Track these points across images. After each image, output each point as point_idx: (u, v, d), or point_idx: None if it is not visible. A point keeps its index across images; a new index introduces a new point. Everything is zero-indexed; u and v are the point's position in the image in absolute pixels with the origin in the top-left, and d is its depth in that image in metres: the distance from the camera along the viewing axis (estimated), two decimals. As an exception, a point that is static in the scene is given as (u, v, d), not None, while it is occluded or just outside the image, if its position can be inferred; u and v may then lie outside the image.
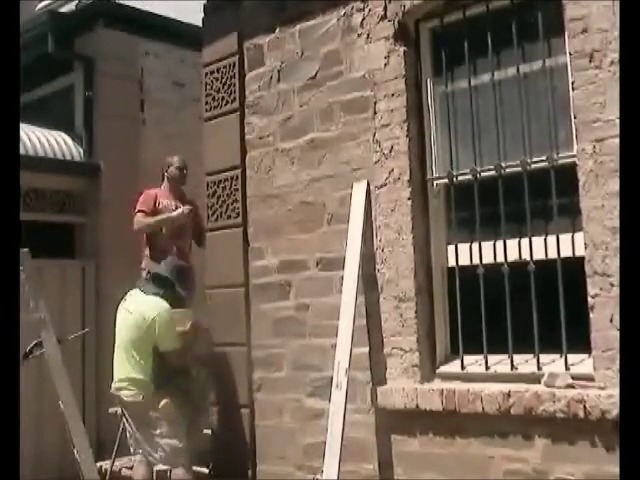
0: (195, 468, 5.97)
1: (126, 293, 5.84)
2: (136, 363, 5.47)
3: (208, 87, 6.13)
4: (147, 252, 6.90)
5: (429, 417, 4.59)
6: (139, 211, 6.95)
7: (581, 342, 4.12)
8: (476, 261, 4.64)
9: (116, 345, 5.66)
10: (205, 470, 5.93)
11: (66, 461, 6.94)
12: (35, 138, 9.46)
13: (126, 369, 5.52)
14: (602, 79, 4.01)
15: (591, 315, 4.01)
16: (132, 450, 5.71)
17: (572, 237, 4.26)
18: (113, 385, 5.64)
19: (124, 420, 5.71)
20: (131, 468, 6.22)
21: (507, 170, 4.53)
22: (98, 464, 6.16)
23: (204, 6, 6.21)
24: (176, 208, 6.84)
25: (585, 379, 4.06)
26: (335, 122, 5.25)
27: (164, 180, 7.17)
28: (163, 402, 5.38)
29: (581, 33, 4.10)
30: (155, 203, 6.95)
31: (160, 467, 5.52)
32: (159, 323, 5.45)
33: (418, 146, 4.91)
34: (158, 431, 5.42)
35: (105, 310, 9.16)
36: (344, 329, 4.86)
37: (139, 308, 5.55)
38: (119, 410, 6.57)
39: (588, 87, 4.06)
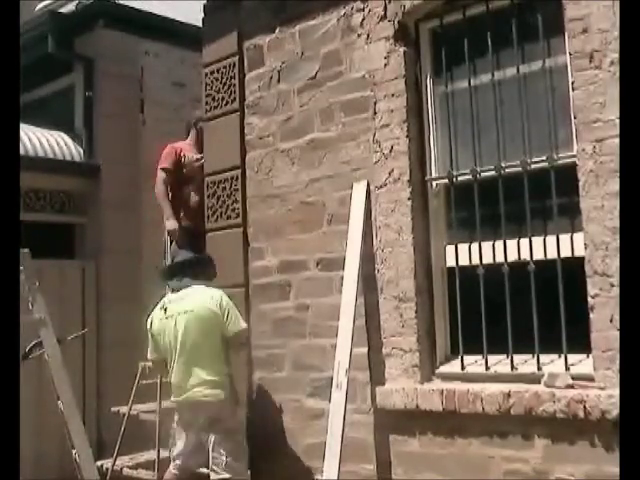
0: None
1: (158, 303, 5.45)
2: (214, 360, 5.09)
3: (208, 87, 6.14)
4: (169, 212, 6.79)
5: (429, 417, 4.59)
6: (162, 169, 6.77)
7: (581, 342, 4.12)
8: (476, 261, 4.64)
9: (179, 349, 5.16)
10: (206, 470, 5.92)
11: (66, 461, 6.94)
12: (35, 138, 9.47)
13: (204, 368, 5.08)
14: (602, 79, 4.01)
15: (591, 315, 4.01)
16: (179, 468, 5.27)
17: (572, 237, 4.26)
18: (184, 391, 5.15)
19: (175, 431, 5.29)
20: (133, 467, 6.22)
21: (507, 170, 4.53)
22: (99, 463, 6.15)
23: (204, 6, 6.21)
24: (202, 163, 6.71)
25: (585, 379, 4.06)
26: (335, 122, 5.25)
27: (190, 134, 7.04)
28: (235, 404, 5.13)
29: (581, 33, 4.10)
30: (178, 157, 6.80)
31: (219, 476, 5.04)
32: (225, 307, 5.15)
33: (418, 146, 4.91)
34: (226, 435, 5.06)
35: (105, 310, 9.20)
36: (344, 329, 4.86)
37: (204, 303, 5.17)
38: (122, 409, 6.57)
39: (588, 87, 4.06)
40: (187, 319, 5.14)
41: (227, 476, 5.04)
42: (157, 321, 5.32)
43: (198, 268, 5.45)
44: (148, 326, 5.39)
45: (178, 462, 5.25)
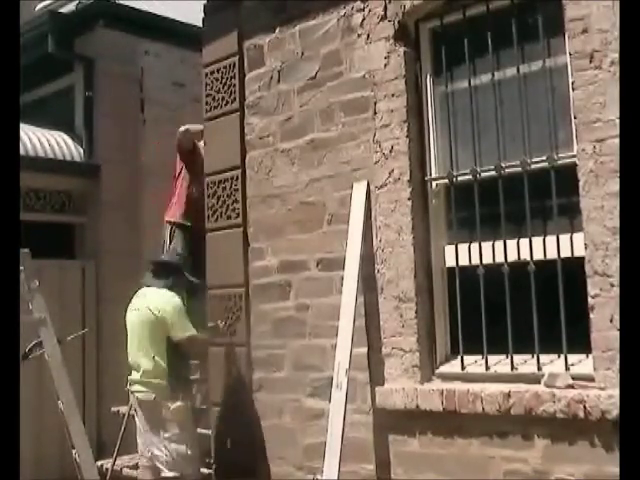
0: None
1: (134, 293, 5.83)
2: (150, 360, 5.43)
3: (208, 87, 6.13)
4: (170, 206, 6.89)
5: (429, 417, 4.59)
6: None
7: (581, 342, 4.12)
8: (476, 261, 4.64)
9: (129, 344, 5.64)
10: (206, 471, 5.93)
11: (66, 462, 6.95)
12: (35, 138, 9.48)
13: (141, 366, 5.49)
14: (602, 79, 4.01)
15: (591, 315, 4.00)
16: (140, 451, 5.63)
17: (572, 237, 4.26)
18: (127, 384, 5.63)
19: (136, 419, 5.64)
20: (133, 467, 6.23)
21: (507, 170, 4.53)
22: (99, 463, 6.16)
23: (204, 6, 6.21)
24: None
25: (585, 379, 4.06)
26: (335, 122, 5.25)
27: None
28: (176, 405, 5.34)
29: (581, 33, 4.10)
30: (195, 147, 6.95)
31: (166, 473, 5.36)
32: (169, 312, 5.45)
33: (418, 146, 4.91)
34: (168, 434, 5.35)
35: (105, 310, 9.20)
36: (344, 329, 4.86)
37: (149, 303, 5.53)
38: (122, 409, 6.58)
39: (588, 87, 4.06)
40: (135, 317, 5.60)
41: (171, 475, 5.29)
42: (127, 312, 5.76)
43: (167, 272, 5.74)
44: None
45: (144, 457, 5.57)
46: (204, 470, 5.91)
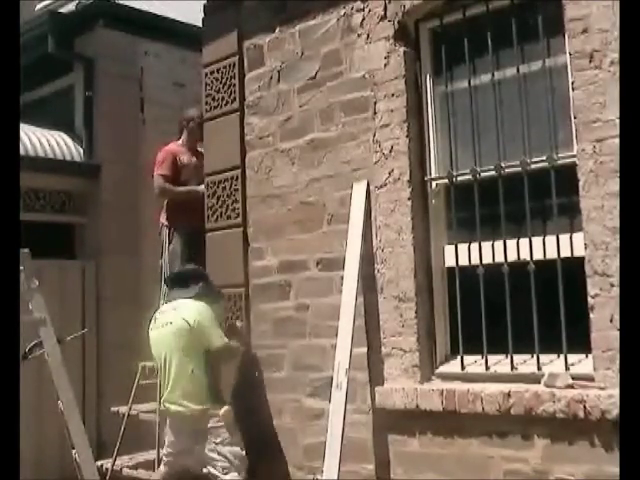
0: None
1: (155, 312, 5.66)
2: (188, 375, 5.26)
3: (208, 87, 6.13)
4: (164, 216, 6.90)
5: (429, 417, 4.59)
6: (160, 175, 6.87)
7: (581, 342, 4.12)
8: (476, 261, 4.64)
9: (161, 364, 5.41)
10: (204, 470, 5.92)
11: (66, 462, 6.94)
12: (35, 138, 9.48)
13: (177, 384, 5.29)
14: (602, 79, 4.01)
15: (591, 315, 4.00)
16: (168, 464, 5.44)
17: (572, 237, 4.26)
18: (164, 400, 5.40)
19: (170, 434, 5.41)
20: (133, 467, 6.22)
21: (507, 170, 4.53)
22: (99, 463, 6.16)
23: (204, 6, 6.21)
24: (195, 163, 6.80)
25: (585, 379, 4.06)
26: (335, 122, 5.25)
27: (182, 134, 7.11)
28: (224, 409, 5.21)
29: (581, 33, 4.10)
30: (175, 162, 6.89)
31: (224, 477, 5.19)
32: (205, 322, 5.32)
33: (418, 146, 4.91)
34: (219, 439, 5.20)
35: (105, 310, 9.21)
36: (344, 329, 4.86)
37: (178, 316, 5.36)
38: (122, 409, 6.57)
39: (588, 87, 4.06)
40: (168, 331, 5.38)
41: (228, 478, 5.13)
42: (150, 330, 5.56)
43: (194, 281, 5.60)
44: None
45: (168, 459, 5.44)
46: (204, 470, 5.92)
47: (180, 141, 7.15)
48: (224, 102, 5.99)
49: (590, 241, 4.03)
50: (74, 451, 5.54)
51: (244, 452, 5.25)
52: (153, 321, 5.57)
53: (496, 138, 4.62)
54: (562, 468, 4.07)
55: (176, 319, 5.36)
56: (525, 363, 4.43)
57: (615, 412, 3.79)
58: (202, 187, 6.34)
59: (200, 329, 5.30)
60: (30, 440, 7.86)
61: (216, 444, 5.21)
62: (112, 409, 7.18)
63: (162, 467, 5.53)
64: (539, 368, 4.31)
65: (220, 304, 5.67)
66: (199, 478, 5.39)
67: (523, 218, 4.46)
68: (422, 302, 4.79)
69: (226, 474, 5.18)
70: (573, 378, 4.11)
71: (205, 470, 5.30)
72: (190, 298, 5.48)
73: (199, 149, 7.01)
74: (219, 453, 5.20)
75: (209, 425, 5.22)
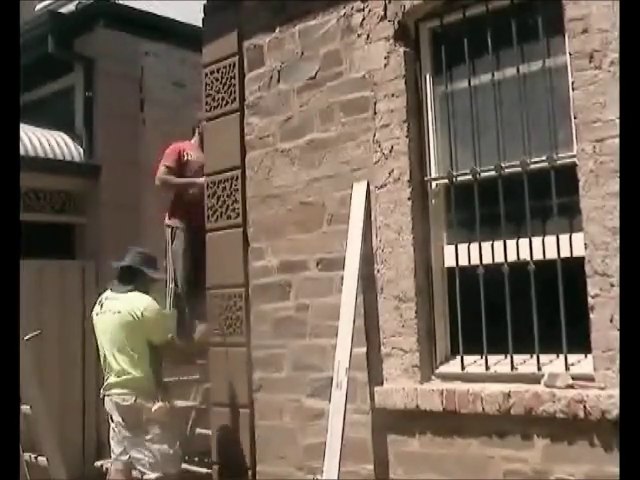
0: (195, 468, 5.99)
1: (99, 296, 5.76)
2: (130, 361, 5.36)
3: (208, 87, 6.13)
4: (169, 210, 6.95)
5: (429, 417, 4.59)
6: (164, 166, 6.97)
7: (581, 342, 4.12)
8: (476, 261, 4.64)
9: (104, 347, 5.53)
10: (204, 470, 5.93)
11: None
12: (35, 138, 9.48)
13: (119, 369, 5.38)
14: (602, 79, 4.01)
15: (591, 315, 4.00)
16: (114, 455, 5.52)
17: (571, 237, 4.26)
18: (103, 388, 5.51)
19: (111, 424, 5.51)
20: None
21: (507, 170, 4.53)
22: (99, 463, 6.16)
23: (204, 6, 6.21)
24: (204, 160, 6.84)
25: (585, 379, 4.06)
26: (335, 122, 5.25)
27: (194, 134, 7.18)
28: (157, 406, 5.27)
29: (581, 33, 4.10)
30: (180, 156, 6.97)
31: (149, 475, 5.25)
32: (148, 315, 5.40)
33: (418, 146, 4.91)
34: (149, 436, 5.28)
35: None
36: (344, 329, 4.86)
37: (125, 306, 5.44)
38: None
39: (588, 87, 4.06)
40: (113, 319, 5.46)
41: (153, 476, 5.24)
42: (94, 315, 5.68)
43: (135, 275, 5.65)
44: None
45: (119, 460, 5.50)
46: (204, 470, 5.92)
47: (192, 141, 7.21)
48: (224, 102, 5.99)
49: (590, 241, 4.03)
50: (27, 454, 5.55)
51: (171, 451, 5.30)
52: (99, 306, 5.65)
53: (496, 138, 4.62)
54: (562, 468, 4.07)
55: (122, 309, 5.44)
56: (525, 363, 4.43)
57: (615, 412, 3.79)
58: (203, 179, 6.37)
59: (144, 321, 5.38)
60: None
61: (146, 440, 5.28)
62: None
63: (115, 473, 5.53)
64: (539, 368, 4.31)
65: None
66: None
67: (523, 218, 4.46)
68: (422, 302, 4.79)
69: (152, 471, 5.24)
70: (573, 378, 4.11)
71: (134, 472, 5.35)
72: (132, 291, 5.55)
73: None
74: (147, 449, 5.27)
75: (144, 418, 5.28)
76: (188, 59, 9.66)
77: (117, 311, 5.46)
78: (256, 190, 5.73)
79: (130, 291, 5.54)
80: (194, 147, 7.09)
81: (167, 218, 6.99)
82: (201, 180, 6.42)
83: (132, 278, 5.61)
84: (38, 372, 6.53)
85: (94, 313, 5.67)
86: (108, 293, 5.67)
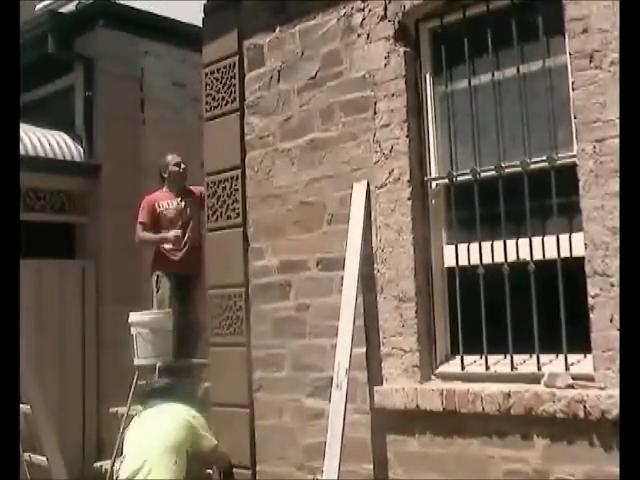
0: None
1: (136, 415, 5.59)
2: (171, 466, 5.02)
3: (208, 87, 6.13)
4: (152, 260, 7.13)
5: (429, 417, 4.59)
6: (139, 223, 7.24)
7: (581, 342, 4.12)
8: (476, 261, 4.64)
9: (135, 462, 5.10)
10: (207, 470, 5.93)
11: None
12: (35, 138, 9.49)
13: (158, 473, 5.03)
14: (602, 79, 4.01)
15: (591, 315, 4.00)
16: None
17: (570, 237, 4.25)
18: None
19: None
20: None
21: (507, 170, 4.53)
22: (98, 464, 6.17)
23: (204, 6, 6.21)
24: (177, 207, 6.97)
25: (585, 379, 4.06)
26: (335, 122, 5.25)
27: (164, 181, 7.29)
28: None
29: (581, 33, 4.10)
30: (153, 209, 7.12)
31: None
32: (196, 424, 5.24)
33: (418, 146, 4.91)
34: None
35: (105, 310, 9.21)
36: (344, 329, 4.86)
37: (168, 414, 5.24)
38: (120, 410, 6.57)
39: (588, 87, 4.06)
40: (156, 429, 5.17)
41: None
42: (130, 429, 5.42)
43: (173, 392, 5.52)
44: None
45: None
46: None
47: (164, 188, 7.47)
48: (224, 102, 5.99)
49: (590, 241, 4.03)
50: (27, 454, 5.54)
51: None
52: (137, 419, 5.42)
53: (496, 138, 4.62)
54: (562, 468, 4.07)
55: (167, 418, 5.22)
56: (525, 363, 4.43)
57: (615, 412, 3.79)
58: (174, 232, 6.65)
59: (191, 429, 5.17)
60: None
61: None
62: (110, 410, 7.20)
63: None
64: (539, 368, 4.31)
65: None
66: None
67: (523, 218, 4.46)
68: (422, 302, 4.79)
69: None
70: (573, 378, 4.11)
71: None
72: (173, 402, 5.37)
73: (190, 188, 7.39)
74: None
75: None
76: (188, 59, 9.66)
77: (161, 420, 5.26)
78: (256, 190, 5.73)
79: (171, 402, 5.36)
80: (165, 195, 7.36)
81: (151, 267, 7.11)
82: (172, 234, 6.92)
83: (169, 394, 5.45)
84: (38, 372, 6.52)
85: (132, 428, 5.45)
86: (145, 412, 5.44)
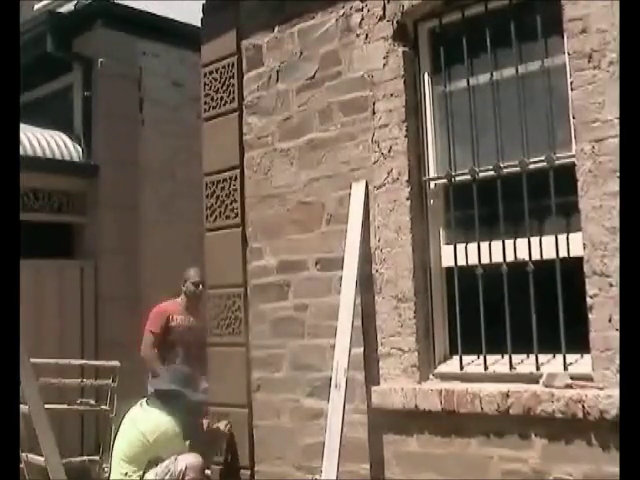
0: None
1: (136, 402, 5.62)
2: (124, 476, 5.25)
3: (207, 87, 6.13)
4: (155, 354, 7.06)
5: (427, 417, 4.59)
6: (150, 331, 7.08)
7: (580, 342, 4.12)
8: (474, 261, 4.64)
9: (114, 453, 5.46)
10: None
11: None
12: (34, 138, 9.48)
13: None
14: (601, 79, 4.01)
15: (590, 315, 4.01)
16: None
17: (568, 237, 4.26)
18: None
19: None
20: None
21: (506, 170, 4.54)
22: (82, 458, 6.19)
23: (203, 6, 6.21)
24: (190, 324, 7.02)
25: (584, 379, 4.07)
26: (334, 122, 5.25)
27: (182, 294, 7.31)
28: None
29: (580, 33, 4.11)
30: (167, 321, 7.03)
31: None
32: (161, 441, 5.29)
33: (417, 146, 4.91)
34: None
35: (104, 310, 9.21)
36: (343, 329, 4.87)
37: (143, 425, 5.35)
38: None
39: (587, 87, 4.07)
40: (129, 430, 5.39)
41: None
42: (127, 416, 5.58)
43: (177, 402, 5.50)
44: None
45: None
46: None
47: (179, 299, 7.35)
48: (223, 102, 5.99)
49: (589, 241, 4.03)
50: (27, 454, 5.53)
51: None
52: (131, 410, 5.56)
53: (495, 138, 4.62)
54: (561, 468, 4.07)
55: (139, 426, 5.35)
56: (523, 363, 4.43)
57: (614, 412, 3.79)
58: None
59: (155, 446, 5.27)
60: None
61: None
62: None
63: None
64: (537, 368, 4.31)
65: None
66: None
67: (522, 218, 4.46)
68: (421, 302, 4.80)
69: None
70: (572, 378, 4.12)
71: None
72: (161, 409, 5.41)
73: (199, 307, 7.18)
74: None
75: None
76: (187, 59, 9.67)
77: (136, 425, 5.41)
78: (255, 190, 5.73)
79: (160, 409, 5.42)
80: (180, 309, 7.24)
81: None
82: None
83: (167, 401, 5.46)
84: (38, 372, 6.52)
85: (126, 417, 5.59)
86: (141, 402, 5.56)
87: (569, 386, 4.08)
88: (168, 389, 5.52)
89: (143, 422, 5.37)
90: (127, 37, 9.84)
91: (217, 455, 5.75)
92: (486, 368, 4.54)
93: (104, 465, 6.79)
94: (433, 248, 4.87)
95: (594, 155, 4.02)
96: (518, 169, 4.47)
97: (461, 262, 4.72)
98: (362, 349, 4.96)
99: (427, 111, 4.94)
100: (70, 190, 9.69)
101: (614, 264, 3.88)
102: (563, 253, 4.28)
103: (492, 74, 4.66)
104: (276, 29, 5.67)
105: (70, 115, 10.00)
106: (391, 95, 4.94)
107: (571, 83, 4.17)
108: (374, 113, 5.02)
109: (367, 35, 5.09)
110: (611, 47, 3.96)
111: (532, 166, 4.42)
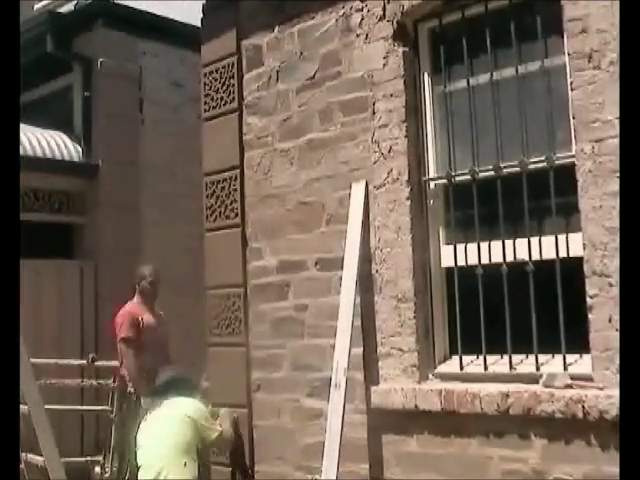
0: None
1: (143, 420, 5.61)
2: (183, 467, 5.20)
3: (207, 87, 6.13)
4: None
5: (427, 417, 4.59)
6: (124, 339, 6.76)
7: (580, 342, 4.12)
8: (474, 261, 4.64)
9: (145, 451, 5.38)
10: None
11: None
12: (34, 138, 9.49)
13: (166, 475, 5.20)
14: (601, 79, 4.01)
15: (590, 315, 4.01)
16: None
17: (568, 237, 4.25)
18: None
19: None
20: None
21: (506, 170, 4.54)
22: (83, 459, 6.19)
23: (203, 6, 6.21)
24: (159, 322, 6.94)
25: (584, 379, 4.07)
26: (334, 122, 5.25)
27: (136, 293, 7.11)
28: None
29: (580, 33, 4.11)
30: (138, 324, 6.84)
31: None
32: (199, 417, 5.36)
33: (417, 146, 4.91)
34: None
35: (104, 310, 9.20)
36: (343, 329, 4.87)
37: (173, 413, 5.38)
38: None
39: (587, 87, 4.07)
40: (162, 424, 5.36)
41: None
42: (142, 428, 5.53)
43: (175, 386, 5.59)
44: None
45: None
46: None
47: (135, 299, 7.11)
48: (223, 102, 5.99)
49: (589, 241, 4.03)
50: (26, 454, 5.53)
51: None
52: (144, 422, 5.53)
53: (495, 138, 4.62)
54: (561, 468, 4.07)
55: (171, 420, 5.35)
56: (523, 363, 4.43)
57: (614, 412, 3.79)
58: None
59: (196, 424, 5.32)
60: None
61: None
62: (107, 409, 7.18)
63: None
64: (537, 368, 4.31)
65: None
66: None
67: (522, 218, 4.46)
68: (421, 302, 4.80)
69: None
70: (572, 378, 4.12)
71: None
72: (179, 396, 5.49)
73: (156, 309, 7.12)
74: None
75: None
76: (187, 59, 9.68)
77: (165, 419, 5.43)
78: (255, 190, 5.73)
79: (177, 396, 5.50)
80: (141, 308, 7.00)
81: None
82: None
83: (176, 388, 5.57)
84: (37, 372, 6.52)
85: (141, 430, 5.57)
86: (152, 412, 5.56)
87: (569, 386, 4.08)
88: (172, 378, 5.62)
89: (181, 409, 5.37)
90: (127, 37, 9.85)
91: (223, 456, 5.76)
92: (486, 368, 4.54)
93: (106, 465, 6.78)
94: (433, 248, 4.87)
95: (594, 155, 4.02)
96: (518, 169, 4.47)
97: (461, 262, 4.72)
98: (362, 349, 4.96)
99: (427, 111, 4.95)
100: (70, 190, 9.69)
101: (614, 264, 3.88)
102: (563, 253, 4.28)
103: (492, 74, 4.66)
104: (276, 29, 5.67)
105: (70, 115, 10.01)
106: (391, 95, 4.94)
107: (571, 83, 4.17)
108: (374, 113, 5.02)
109: (367, 35, 5.09)
110: (611, 47, 3.96)
111: (532, 166, 4.42)
